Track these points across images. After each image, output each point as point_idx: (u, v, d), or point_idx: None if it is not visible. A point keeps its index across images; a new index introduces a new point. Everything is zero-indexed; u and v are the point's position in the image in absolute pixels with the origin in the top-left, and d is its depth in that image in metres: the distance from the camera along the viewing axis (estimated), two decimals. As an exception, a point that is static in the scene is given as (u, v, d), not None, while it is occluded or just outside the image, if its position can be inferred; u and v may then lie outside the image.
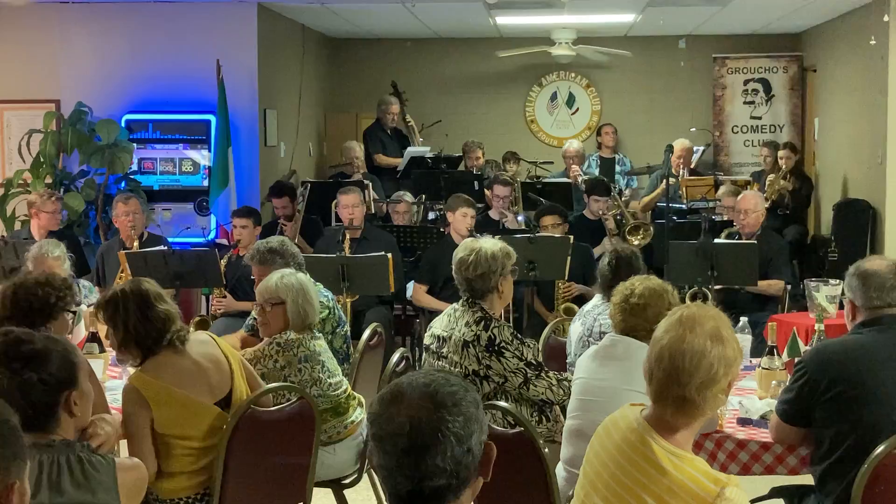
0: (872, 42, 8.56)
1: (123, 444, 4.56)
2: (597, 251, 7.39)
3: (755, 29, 11.18)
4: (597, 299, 4.78)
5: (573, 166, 9.83)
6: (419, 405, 1.90)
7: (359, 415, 4.41)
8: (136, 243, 6.77)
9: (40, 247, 5.41)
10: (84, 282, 5.74)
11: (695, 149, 10.09)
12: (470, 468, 1.92)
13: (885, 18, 8.14)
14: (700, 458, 2.52)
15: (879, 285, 3.53)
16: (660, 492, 2.43)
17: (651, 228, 7.60)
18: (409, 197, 8.53)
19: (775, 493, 3.83)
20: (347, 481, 4.39)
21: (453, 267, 4.23)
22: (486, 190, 8.55)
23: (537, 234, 6.57)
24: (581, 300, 6.46)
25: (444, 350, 4.15)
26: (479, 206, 8.11)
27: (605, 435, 2.62)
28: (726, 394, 2.55)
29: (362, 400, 4.47)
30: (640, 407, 2.60)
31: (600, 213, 7.84)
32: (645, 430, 2.51)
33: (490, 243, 4.26)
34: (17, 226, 8.13)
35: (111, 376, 4.50)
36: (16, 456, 1.93)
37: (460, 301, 4.23)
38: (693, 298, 6.08)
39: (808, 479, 3.63)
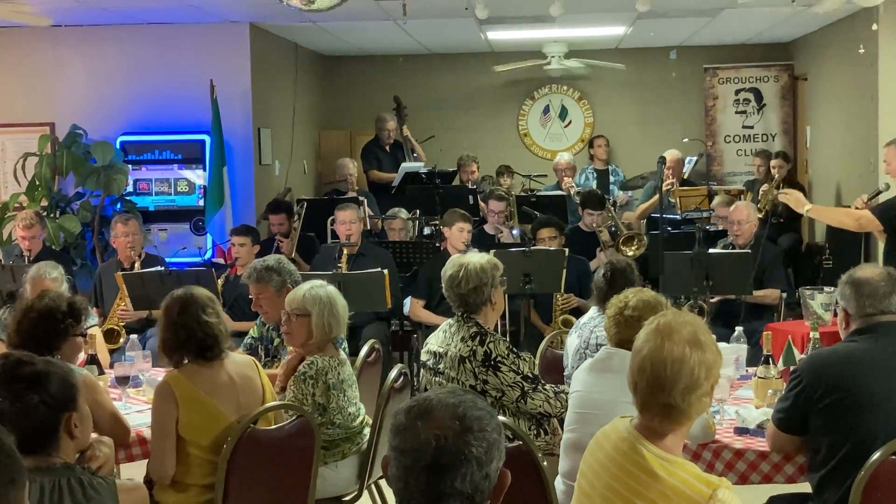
0: (861, 50, 8.61)
1: (124, 466, 4.58)
2: (593, 264, 7.42)
3: (745, 39, 11.24)
4: (593, 311, 4.79)
5: (566, 178, 9.87)
6: (447, 425, 1.90)
7: (365, 434, 4.43)
8: (137, 264, 6.79)
9: (38, 268, 5.42)
10: (82, 304, 5.74)
11: (688, 159, 10.12)
12: (485, 493, 1.92)
13: (874, 27, 8.19)
14: (690, 462, 2.55)
15: (872, 293, 3.55)
16: (654, 497, 2.45)
17: (645, 239, 7.62)
18: (403, 213, 8.55)
19: (773, 502, 3.84)
20: (347, 499, 4.40)
21: (444, 285, 4.23)
22: (481, 203, 8.57)
23: (532, 248, 6.60)
24: (579, 312, 6.48)
25: (441, 366, 4.17)
26: (475, 219, 8.14)
27: (597, 447, 2.65)
28: (710, 396, 2.58)
29: (369, 420, 4.48)
30: (629, 418, 2.63)
31: (594, 226, 7.87)
32: (635, 439, 2.55)
33: (476, 257, 4.28)
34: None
35: (111, 398, 4.50)
36: (14, 481, 1.94)
37: (455, 317, 4.25)
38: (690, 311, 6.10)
39: (805, 488, 3.65)
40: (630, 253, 7.38)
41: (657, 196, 8.39)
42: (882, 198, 6.22)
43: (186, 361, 3.84)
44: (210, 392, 3.77)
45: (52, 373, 2.71)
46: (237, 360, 3.96)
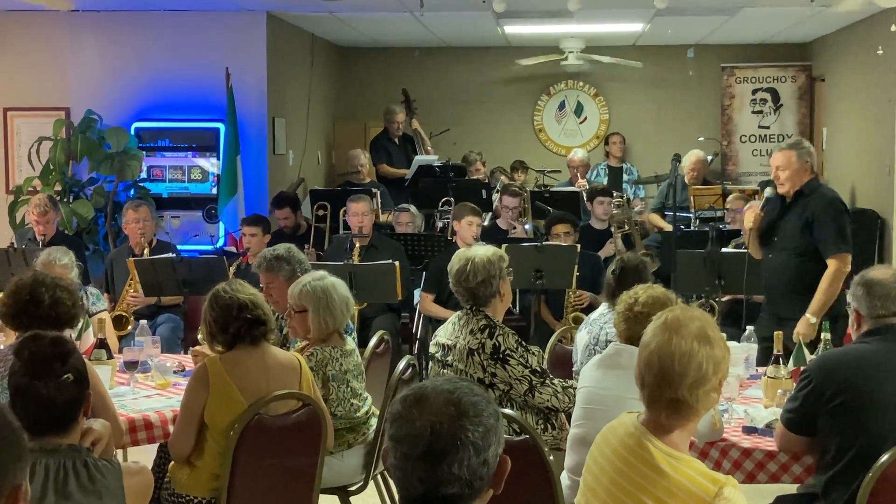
0: (880, 52, 8.57)
1: (131, 450, 4.59)
2: (601, 253, 7.43)
3: (763, 38, 11.19)
4: (603, 308, 4.78)
5: (579, 177, 9.85)
6: (442, 411, 1.90)
7: (372, 423, 4.43)
8: (146, 250, 6.80)
9: (49, 254, 5.41)
10: (92, 289, 5.75)
11: (703, 158, 10.09)
12: (484, 479, 1.92)
13: (893, 28, 8.14)
14: (696, 459, 2.53)
15: (884, 294, 3.54)
16: (659, 494, 2.44)
17: (657, 260, 7.59)
18: (412, 209, 8.51)
19: (780, 501, 3.82)
20: (353, 488, 4.40)
21: (451, 280, 4.22)
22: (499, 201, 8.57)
23: (544, 243, 6.58)
24: (591, 309, 6.45)
25: (450, 358, 4.16)
26: (487, 214, 8.14)
27: (603, 442, 2.64)
28: (718, 392, 2.57)
29: (376, 411, 4.48)
30: (636, 413, 2.62)
31: (605, 216, 7.85)
32: (642, 434, 2.53)
33: (482, 250, 4.27)
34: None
35: (119, 383, 4.52)
36: (20, 457, 1.94)
37: (463, 309, 4.24)
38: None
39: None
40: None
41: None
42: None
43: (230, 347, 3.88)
44: (242, 388, 3.77)
45: (74, 349, 2.76)
46: (281, 360, 3.93)
